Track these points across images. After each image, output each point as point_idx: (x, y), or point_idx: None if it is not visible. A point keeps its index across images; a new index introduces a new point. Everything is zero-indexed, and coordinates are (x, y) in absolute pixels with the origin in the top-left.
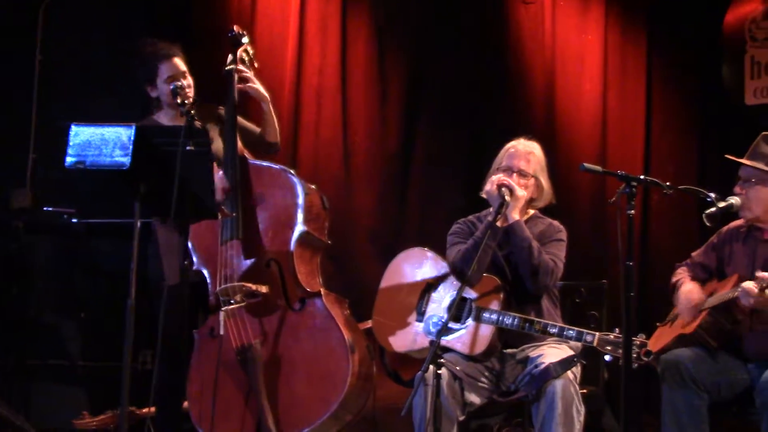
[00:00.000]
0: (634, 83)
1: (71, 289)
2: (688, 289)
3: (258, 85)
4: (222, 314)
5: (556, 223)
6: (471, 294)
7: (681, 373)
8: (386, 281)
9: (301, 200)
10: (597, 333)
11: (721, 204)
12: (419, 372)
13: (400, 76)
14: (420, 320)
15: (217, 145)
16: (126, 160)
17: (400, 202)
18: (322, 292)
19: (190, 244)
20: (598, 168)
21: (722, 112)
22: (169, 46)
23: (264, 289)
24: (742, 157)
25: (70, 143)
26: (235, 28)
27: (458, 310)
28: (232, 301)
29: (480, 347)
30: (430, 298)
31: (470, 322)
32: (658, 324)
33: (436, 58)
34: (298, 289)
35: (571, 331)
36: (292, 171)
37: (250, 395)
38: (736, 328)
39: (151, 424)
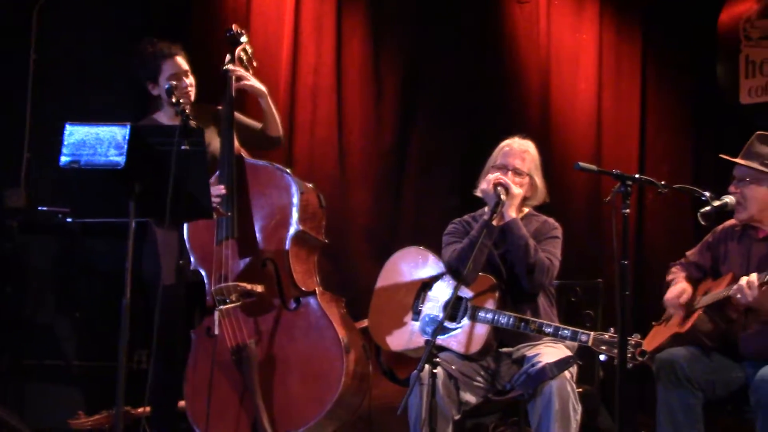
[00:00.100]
0: (629, 82)
1: (66, 289)
2: (678, 289)
3: (254, 81)
4: (217, 314)
5: (551, 220)
6: (467, 293)
7: (676, 372)
8: (382, 280)
9: (296, 199)
10: (592, 333)
11: (716, 203)
12: (415, 371)
13: (395, 75)
14: (416, 319)
15: (215, 144)
16: (121, 159)
17: (395, 201)
18: (318, 292)
19: (187, 244)
20: (593, 167)
21: (717, 111)
22: (172, 45)
23: (259, 288)
24: (736, 157)
25: (65, 142)
26: (234, 27)
27: (454, 309)
28: (227, 301)
29: (475, 346)
30: (426, 297)
31: (466, 321)
32: (653, 323)
33: (431, 57)
34: (294, 288)
35: (566, 331)
36: (287, 170)
37: (245, 395)
38: (730, 327)
39: (146, 423)
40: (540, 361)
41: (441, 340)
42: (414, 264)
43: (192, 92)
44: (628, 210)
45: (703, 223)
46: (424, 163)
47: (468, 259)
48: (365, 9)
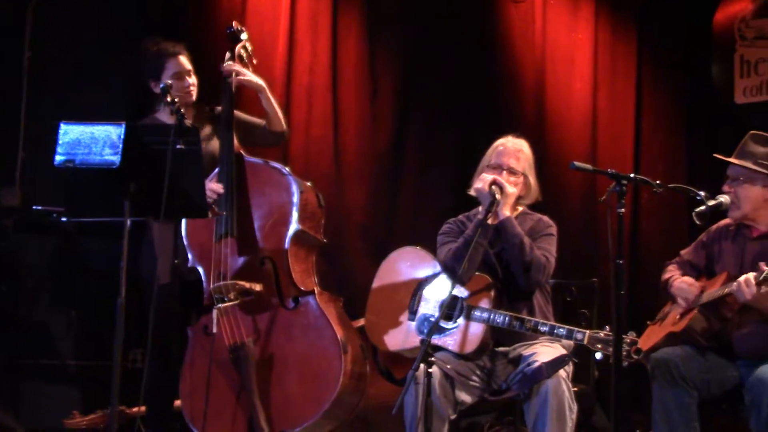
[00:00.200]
0: (624, 82)
1: (61, 288)
2: (688, 280)
3: (252, 76)
4: (215, 312)
5: (545, 218)
6: (462, 292)
7: (671, 371)
8: (379, 280)
9: (296, 198)
10: (587, 331)
11: (711, 202)
12: (411, 371)
13: (391, 74)
14: (412, 319)
15: (215, 144)
16: (116, 158)
17: (391, 200)
18: (316, 291)
19: (185, 241)
20: (589, 166)
21: (712, 111)
22: (176, 44)
23: (258, 287)
24: (731, 156)
25: (60, 141)
26: (234, 24)
27: (450, 309)
28: (225, 299)
29: (471, 345)
30: (422, 297)
31: (461, 320)
32: (648, 322)
33: (426, 57)
34: (292, 287)
35: (561, 329)
36: (287, 169)
37: (242, 394)
38: (725, 327)
39: (141, 423)
40: (536, 361)
41: (437, 339)
42: (410, 264)
43: (194, 92)
44: (623, 209)
45: (697, 222)
46: (420, 162)
47: (463, 258)
48: (360, 8)
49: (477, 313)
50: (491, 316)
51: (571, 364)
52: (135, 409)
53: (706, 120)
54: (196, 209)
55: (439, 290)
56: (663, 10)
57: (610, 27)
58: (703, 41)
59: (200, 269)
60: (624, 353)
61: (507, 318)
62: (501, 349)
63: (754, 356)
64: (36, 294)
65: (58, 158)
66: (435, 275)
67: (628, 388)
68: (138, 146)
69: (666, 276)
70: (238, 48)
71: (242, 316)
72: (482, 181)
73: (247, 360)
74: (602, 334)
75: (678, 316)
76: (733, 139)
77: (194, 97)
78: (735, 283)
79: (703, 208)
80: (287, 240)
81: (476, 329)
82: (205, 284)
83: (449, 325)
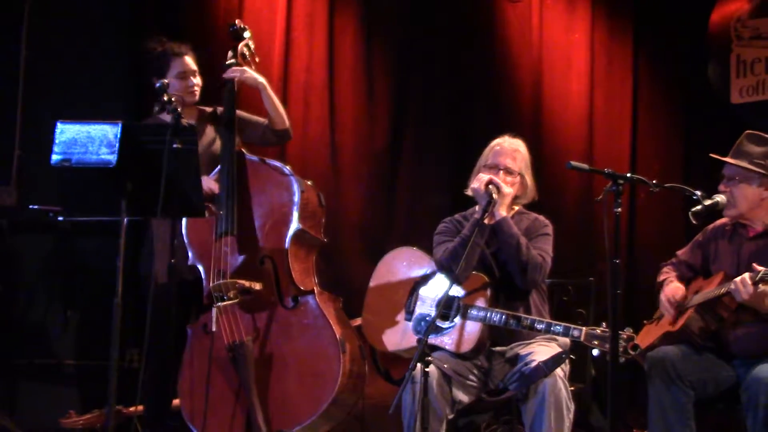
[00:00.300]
0: (621, 82)
1: (57, 288)
2: (672, 288)
3: (252, 73)
4: (215, 310)
5: (541, 217)
6: (459, 292)
7: (667, 371)
8: (376, 280)
9: (296, 198)
10: (584, 328)
11: (707, 202)
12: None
13: (388, 74)
14: (409, 319)
15: (217, 145)
16: (112, 157)
17: (388, 199)
18: (316, 291)
19: (185, 239)
20: (585, 166)
21: (708, 111)
22: (182, 45)
23: (257, 286)
24: (727, 156)
25: (56, 141)
26: (237, 22)
27: (446, 308)
28: (225, 298)
29: (468, 345)
30: (419, 297)
31: (458, 319)
32: (645, 322)
33: (423, 56)
34: (292, 287)
35: (558, 327)
36: (288, 168)
37: (240, 392)
38: (721, 326)
39: (138, 422)
40: (534, 360)
41: (434, 339)
42: (407, 263)
43: (197, 92)
44: (619, 209)
45: (694, 222)
46: (417, 161)
47: (460, 257)
48: (357, 7)
49: (473, 312)
50: (488, 315)
51: (568, 363)
52: (132, 409)
53: (702, 120)
54: (192, 208)
55: (435, 290)
56: (659, 10)
57: (607, 27)
58: (699, 41)
59: (200, 267)
60: (621, 349)
61: (503, 316)
62: (498, 348)
63: (751, 356)
64: (32, 294)
65: (54, 157)
66: (431, 275)
67: (625, 386)
68: (135, 145)
69: (661, 278)
70: (240, 46)
71: (241, 315)
72: (479, 181)
73: (245, 359)
74: (599, 331)
75: (674, 316)
76: (729, 138)
77: (197, 98)
78: (732, 283)
79: (699, 207)
80: (287, 239)
81: (473, 328)
82: (204, 282)
83: (446, 324)
